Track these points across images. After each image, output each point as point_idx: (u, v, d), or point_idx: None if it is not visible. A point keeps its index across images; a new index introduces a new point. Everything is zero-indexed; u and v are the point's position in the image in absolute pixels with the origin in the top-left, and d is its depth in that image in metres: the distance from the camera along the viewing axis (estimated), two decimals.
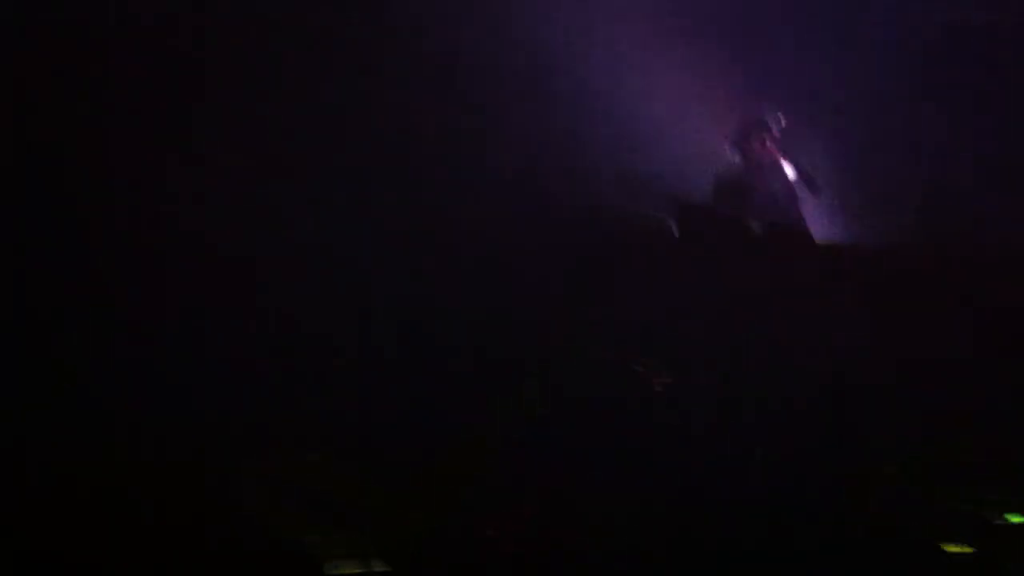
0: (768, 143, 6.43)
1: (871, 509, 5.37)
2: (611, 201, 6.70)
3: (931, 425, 5.55)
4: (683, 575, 5.23)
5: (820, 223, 6.49)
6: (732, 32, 7.48)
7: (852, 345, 5.44)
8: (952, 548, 4.94)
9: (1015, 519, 5.10)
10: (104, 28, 7.20)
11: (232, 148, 7.20)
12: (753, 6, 7.57)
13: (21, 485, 5.85)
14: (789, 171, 6.43)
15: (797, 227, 6.32)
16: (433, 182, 7.16)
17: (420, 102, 7.31)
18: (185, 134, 7.14)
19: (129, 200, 6.87)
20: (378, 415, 6.67)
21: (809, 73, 7.36)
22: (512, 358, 6.09)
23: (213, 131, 7.20)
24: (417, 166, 7.26)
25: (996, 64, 7.35)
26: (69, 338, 6.47)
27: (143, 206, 6.90)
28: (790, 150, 6.46)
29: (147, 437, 6.08)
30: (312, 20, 7.46)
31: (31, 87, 6.89)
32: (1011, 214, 6.80)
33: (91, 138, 6.95)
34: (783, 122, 6.49)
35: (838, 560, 5.21)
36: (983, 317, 5.59)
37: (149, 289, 6.65)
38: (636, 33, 7.13)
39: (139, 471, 5.91)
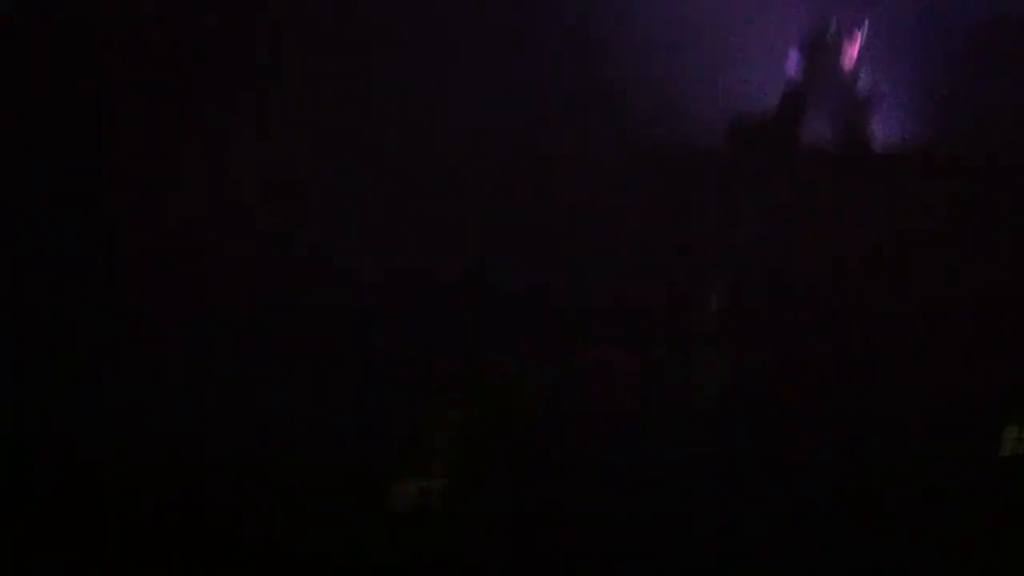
0: (840, 51, 6.04)
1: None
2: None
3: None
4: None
5: (892, 128, 6.13)
6: None
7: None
8: None
9: None
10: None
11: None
12: None
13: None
14: (862, 80, 6.09)
15: (868, 138, 6.05)
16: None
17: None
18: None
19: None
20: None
21: None
22: None
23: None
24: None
25: None
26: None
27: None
28: (862, 58, 6.07)
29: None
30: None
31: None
32: None
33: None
34: (862, 29, 6.10)
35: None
36: None
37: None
38: None
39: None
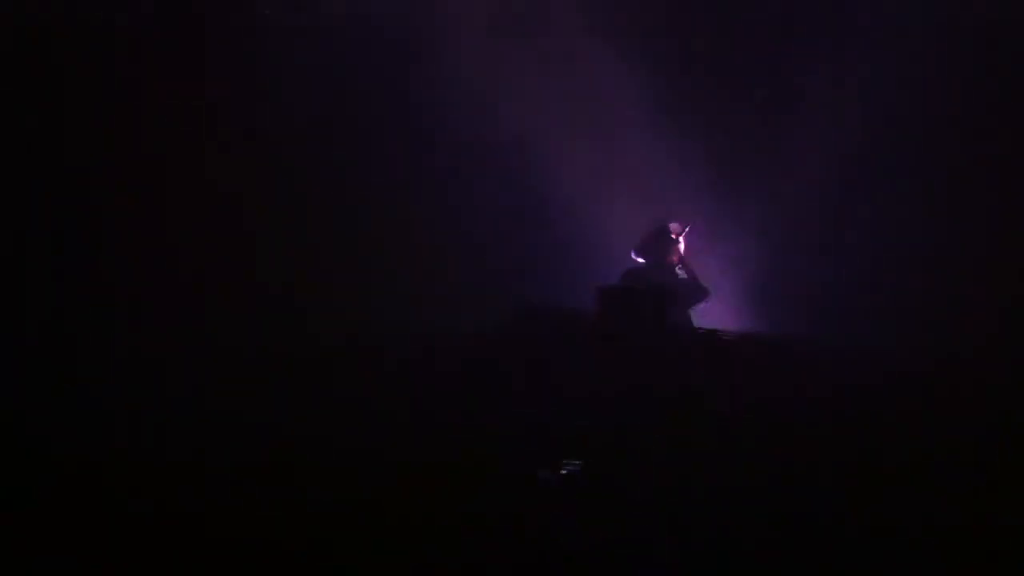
0: (674, 248, 7.68)
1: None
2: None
3: None
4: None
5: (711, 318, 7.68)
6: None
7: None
8: None
9: None
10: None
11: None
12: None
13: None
14: (682, 273, 7.69)
15: (683, 320, 7.51)
16: None
17: None
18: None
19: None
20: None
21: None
22: None
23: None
24: None
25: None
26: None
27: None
28: (689, 257, 7.73)
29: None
30: None
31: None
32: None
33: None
34: (686, 230, 7.72)
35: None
36: None
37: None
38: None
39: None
